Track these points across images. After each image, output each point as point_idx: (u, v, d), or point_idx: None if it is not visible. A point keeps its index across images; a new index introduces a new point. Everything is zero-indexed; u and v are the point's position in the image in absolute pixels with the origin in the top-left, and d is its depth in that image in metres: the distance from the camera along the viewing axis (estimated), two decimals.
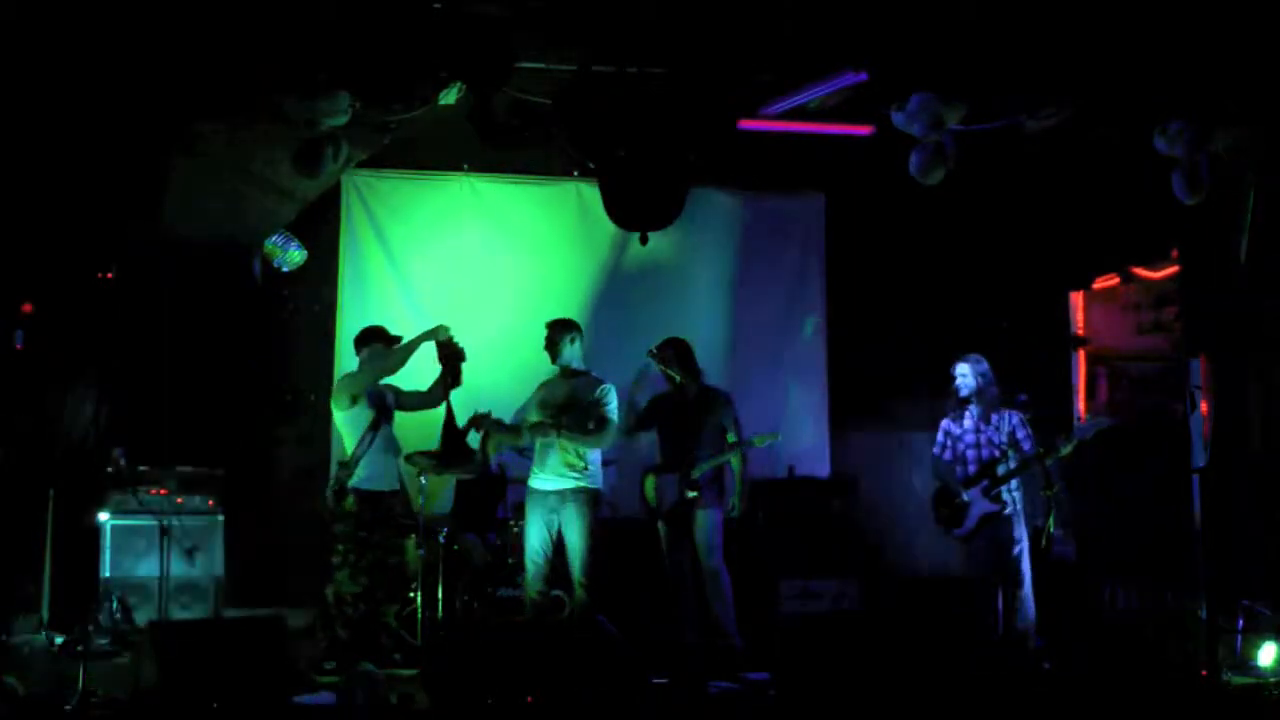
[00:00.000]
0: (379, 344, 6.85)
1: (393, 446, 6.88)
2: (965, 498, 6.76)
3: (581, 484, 6.58)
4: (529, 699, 5.44)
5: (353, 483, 6.61)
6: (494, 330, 8.23)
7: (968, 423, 6.86)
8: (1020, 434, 6.74)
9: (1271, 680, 6.37)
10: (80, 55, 6.00)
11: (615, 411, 6.65)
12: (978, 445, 6.80)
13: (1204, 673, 6.31)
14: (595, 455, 6.67)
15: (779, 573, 7.78)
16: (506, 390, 7.50)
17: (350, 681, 5.77)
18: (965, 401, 6.84)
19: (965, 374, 6.83)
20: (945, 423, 6.96)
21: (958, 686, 5.89)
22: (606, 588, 7.80)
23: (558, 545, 6.62)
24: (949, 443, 6.93)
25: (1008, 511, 6.67)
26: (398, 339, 6.87)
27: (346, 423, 6.74)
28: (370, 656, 6.33)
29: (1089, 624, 7.24)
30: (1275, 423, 7.31)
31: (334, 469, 7.36)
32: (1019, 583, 6.69)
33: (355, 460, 6.63)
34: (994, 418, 6.78)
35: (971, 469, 6.79)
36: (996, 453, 6.73)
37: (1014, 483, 6.69)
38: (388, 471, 6.80)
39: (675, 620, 6.77)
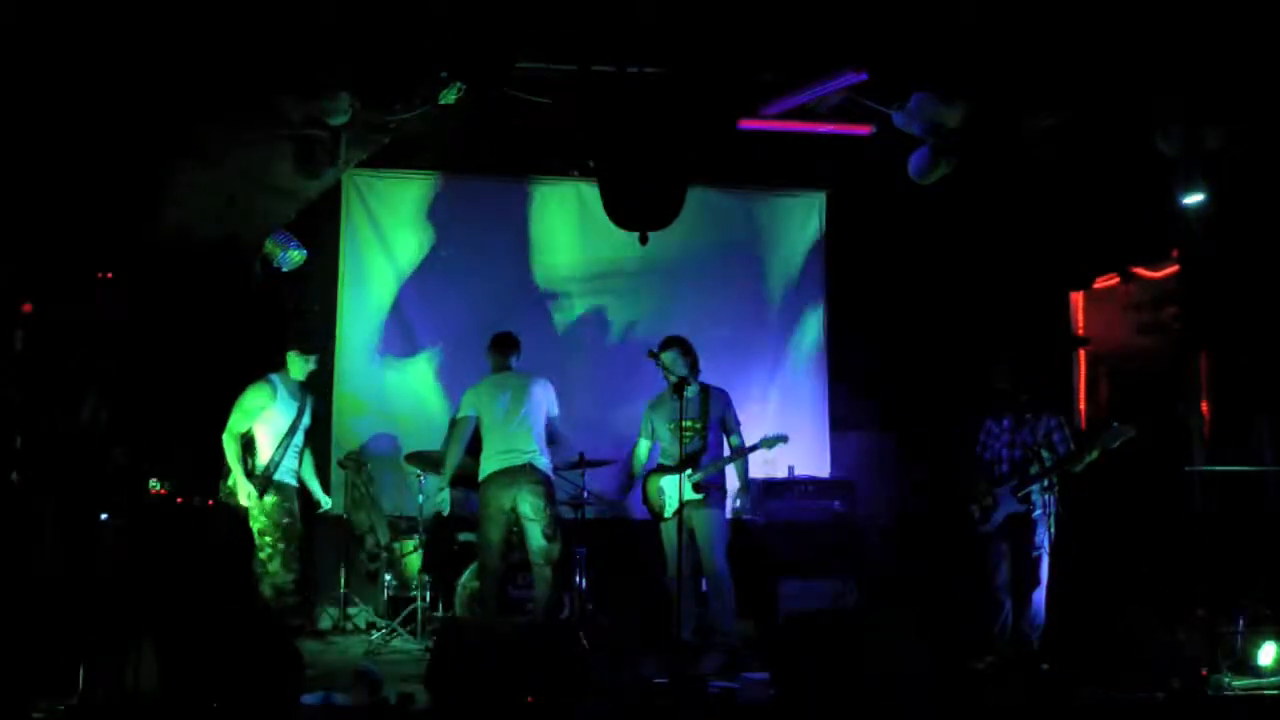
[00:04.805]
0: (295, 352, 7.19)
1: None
2: (995, 496, 6.78)
3: None
4: (529, 699, 5.43)
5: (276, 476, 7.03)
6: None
7: (1006, 422, 6.88)
8: (1056, 437, 6.73)
9: (1271, 680, 6.38)
10: (81, 55, 5.99)
11: None
12: (1012, 445, 6.82)
13: (1204, 673, 6.31)
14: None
15: (779, 573, 7.78)
16: None
17: (350, 681, 5.78)
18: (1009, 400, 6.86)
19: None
20: (987, 421, 6.99)
21: (957, 686, 5.89)
22: (607, 588, 7.85)
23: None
24: (987, 440, 6.96)
25: (1035, 514, 6.68)
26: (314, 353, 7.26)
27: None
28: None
29: (1088, 625, 7.22)
30: (1276, 423, 7.30)
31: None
32: (1034, 585, 6.71)
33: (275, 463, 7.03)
34: (1032, 420, 6.79)
35: (1005, 468, 6.81)
36: (1030, 454, 6.74)
37: (1043, 485, 6.68)
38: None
39: (675, 620, 6.76)
